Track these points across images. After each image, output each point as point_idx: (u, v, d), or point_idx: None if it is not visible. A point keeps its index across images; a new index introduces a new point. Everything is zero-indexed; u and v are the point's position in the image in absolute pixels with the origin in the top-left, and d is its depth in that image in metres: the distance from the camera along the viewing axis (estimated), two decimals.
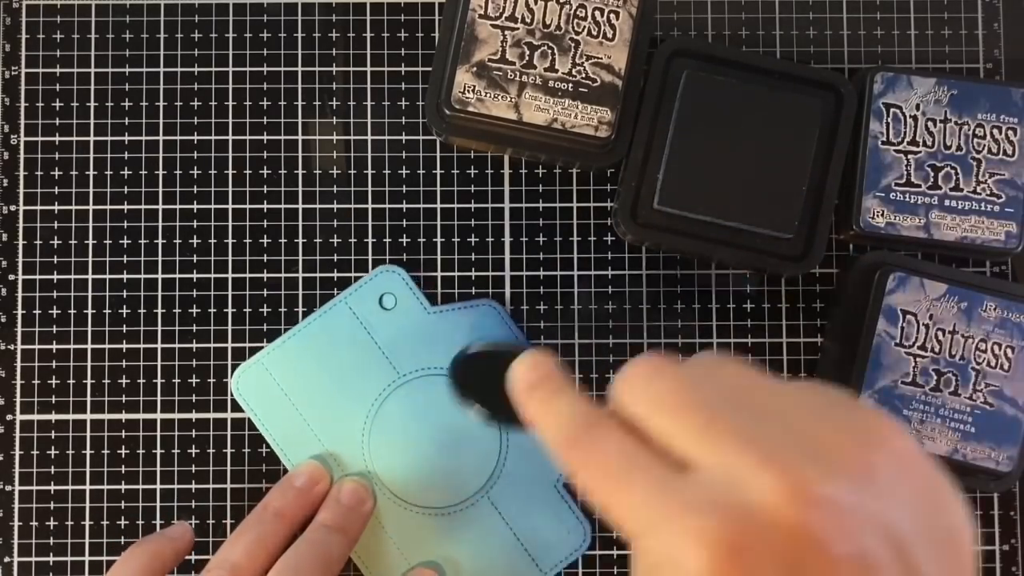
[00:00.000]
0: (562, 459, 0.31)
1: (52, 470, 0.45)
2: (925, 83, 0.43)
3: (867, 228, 0.43)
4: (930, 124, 0.43)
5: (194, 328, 0.45)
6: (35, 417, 0.45)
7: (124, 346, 0.45)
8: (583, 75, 0.42)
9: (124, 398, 0.45)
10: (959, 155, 0.43)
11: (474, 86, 0.42)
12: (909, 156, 0.43)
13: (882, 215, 0.43)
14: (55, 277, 0.46)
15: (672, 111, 0.42)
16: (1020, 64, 0.47)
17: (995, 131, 0.43)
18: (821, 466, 0.27)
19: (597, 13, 0.42)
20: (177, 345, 0.45)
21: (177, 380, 0.45)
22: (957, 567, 0.29)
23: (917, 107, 0.43)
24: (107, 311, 0.45)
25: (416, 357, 0.44)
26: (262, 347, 0.45)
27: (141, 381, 0.45)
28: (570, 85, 0.42)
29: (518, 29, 0.42)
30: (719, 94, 0.42)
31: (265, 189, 0.46)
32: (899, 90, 0.43)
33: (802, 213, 0.42)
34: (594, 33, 0.42)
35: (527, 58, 0.42)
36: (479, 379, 0.39)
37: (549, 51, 0.42)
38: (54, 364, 0.45)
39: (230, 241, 0.46)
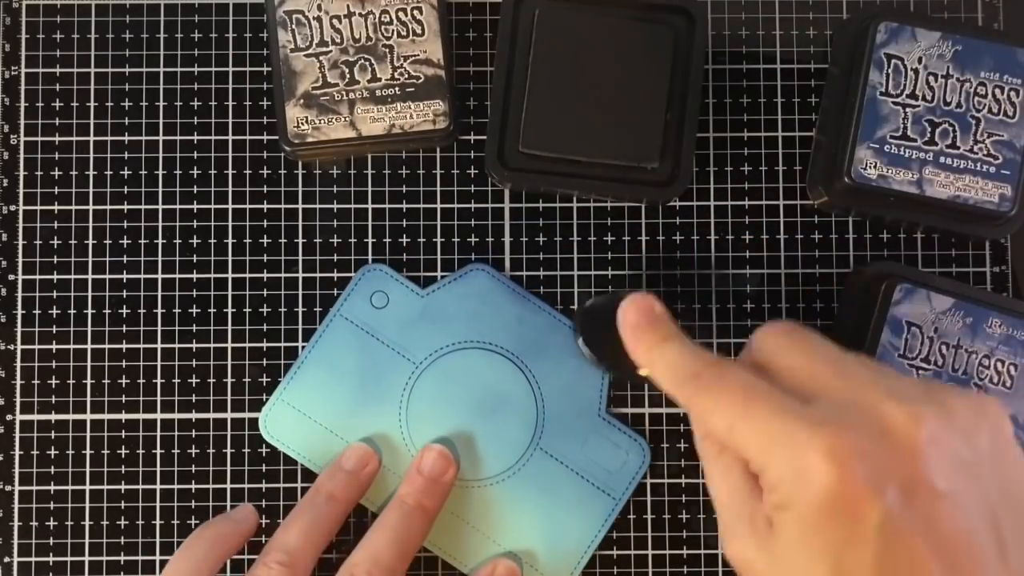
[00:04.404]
0: (683, 392, 0.34)
1: (52, 470, 0.45)
2: (929, 36, 0.42)
3: (859, 179, 0.42)
4: (931, 79, 0.42)
5: (194, 328, 0.45)
6: (35, 417, 0.45)
7: (124, 346, 0.45)
8: (406, 76, 0.43)
9: (124, 398, 0.45)
10: (958, 112, 0.42)
11: (306, 117, 0.43)
12: (907, 109, 0.42)
13: (875, 167, 0.42)
14: (55, 277, 0.46)
15: (528, 53, 0.43)
16: None
17: (997, 91, 0.42)
18: (940, 412, 0.30)
19: (401, 14, 0.43)
20: (177, 345, 0.45)
21: (177, 380, 0.45)
22: None
23: (919, 60, 0.42)
24: (107, 311, 0.45)
25: (426, 342, 0.44)
26: (261, 347, 0.45)
27: (141, 381, 0.45)
28: (397, 89, 0.43)
29: (331, 51, 0.43)
30: (572, 29, 0.43)
31: (265, 189, 0.46)
32: (902, 41, 0.42)
33: (665, 140, 0.43)
34: (403, 34, 0.43)
35: (348, 76, 0.43)
36: (599, 331, 0.40)
37: (367, 63, 0.43)
38: (54, 364, 0.45)
39: (230, 241, 0.46)
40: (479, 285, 0.45)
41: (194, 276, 0.46)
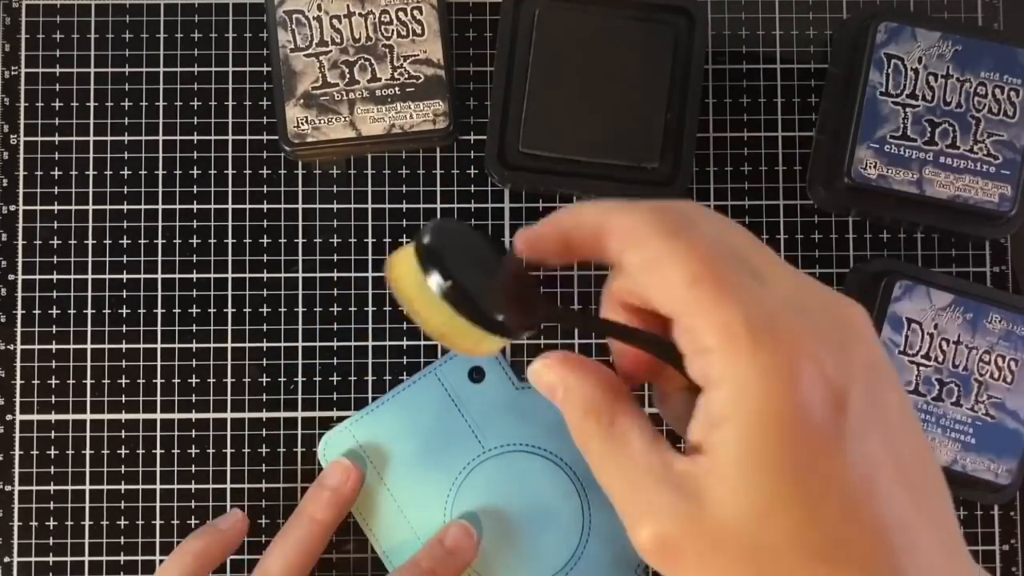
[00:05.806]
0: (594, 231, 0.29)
1: (52, 470, 0.45)
2: (929, 36, 0.42)
3: (859, 179, 0.42)
4: (931, 79, 0.42)
5: (194, 328, 0.45)
6: (35, 417, 0.45)
7: (124, 346, 0.45)
8: (406, 76, 0.43)
9: (124, 398, 0.45)
10: (958, 112, 0.42)
11: (306, 117, 0.43)
12: (907, 109, 0.42)
13: (875, 167, 0.42)
14: (55, 277, 0.46)
15: (528, 53, 0.43)
16: None
17: (997, 91, 0.42)
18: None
19: (401, 14, 0.43)
20: (177, 345, 0.45)
21: (177, 380, 0.45)
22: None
23: (919, 60, 0.42)
24: (107, 311, 0.45)
25: (503, 432, 0.44)
26: (261, 347, 0.45)
27: (141, 381, 0.45)
28: (396, 88, 0.43)
29: (331, 51, 0.43)
30: (572, 29, 0.43)
31: (265, 189, 0.46)
32: (902, 42, 0.42)
33: (665, 140, 0.43)
34: (403, 34, 0.43)
35: (348, 76, 0.43)
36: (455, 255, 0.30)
37: (367, 63, 0.43)
38: (54, 364, 0.45)
39: (230, 241, 0.46)
40: None
41: (194, 276, 0.46)
